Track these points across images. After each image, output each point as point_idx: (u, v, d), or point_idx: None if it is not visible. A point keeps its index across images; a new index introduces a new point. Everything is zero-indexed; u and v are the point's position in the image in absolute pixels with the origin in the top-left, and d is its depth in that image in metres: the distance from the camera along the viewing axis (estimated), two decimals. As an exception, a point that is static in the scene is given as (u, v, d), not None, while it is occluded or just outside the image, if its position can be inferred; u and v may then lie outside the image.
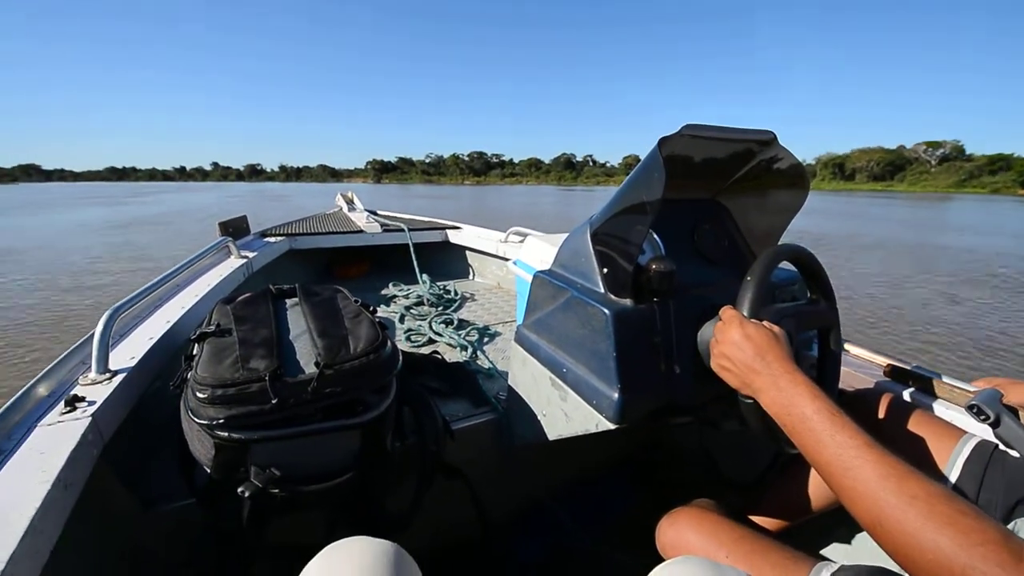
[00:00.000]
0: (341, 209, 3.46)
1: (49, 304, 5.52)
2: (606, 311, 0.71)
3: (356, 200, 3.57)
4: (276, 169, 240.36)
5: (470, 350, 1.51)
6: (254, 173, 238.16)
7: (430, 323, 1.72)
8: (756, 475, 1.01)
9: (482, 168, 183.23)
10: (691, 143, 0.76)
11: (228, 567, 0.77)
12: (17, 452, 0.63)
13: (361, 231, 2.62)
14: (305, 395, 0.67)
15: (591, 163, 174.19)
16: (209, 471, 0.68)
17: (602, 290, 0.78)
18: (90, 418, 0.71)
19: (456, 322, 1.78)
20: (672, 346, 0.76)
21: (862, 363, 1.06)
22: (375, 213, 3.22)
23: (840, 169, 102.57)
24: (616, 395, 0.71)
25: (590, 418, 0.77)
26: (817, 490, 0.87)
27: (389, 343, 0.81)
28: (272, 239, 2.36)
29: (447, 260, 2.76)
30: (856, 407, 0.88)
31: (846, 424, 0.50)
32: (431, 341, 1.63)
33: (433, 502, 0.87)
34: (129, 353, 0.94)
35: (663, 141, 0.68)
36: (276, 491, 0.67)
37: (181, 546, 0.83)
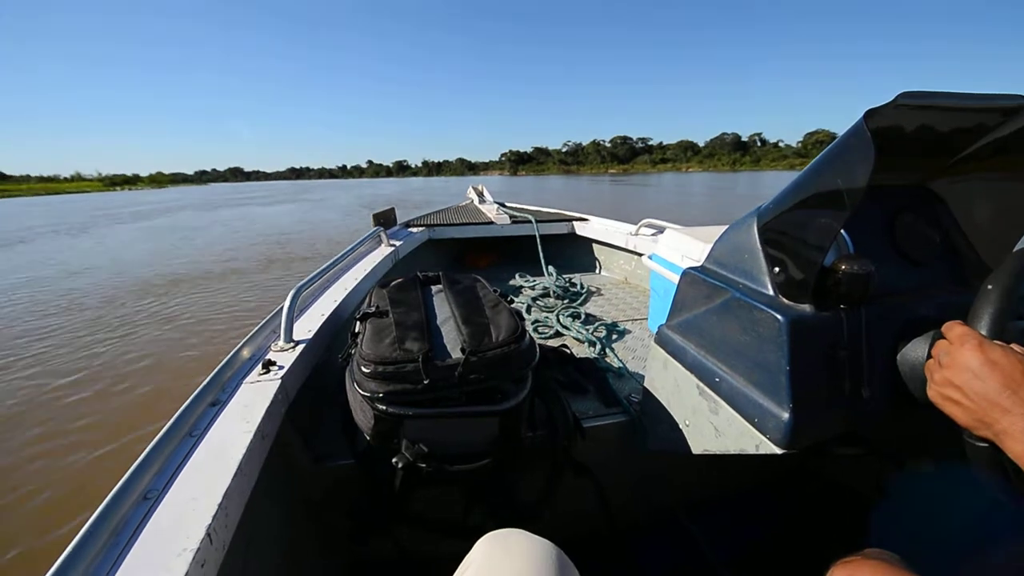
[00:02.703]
0: (472, 202, 3.70)
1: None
2: (780, 317, 0.61)
3: (486, 193, 3.78)
4: (419, 165, 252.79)
5: (598, 346, 1.44)
6: (401, 169, 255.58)
7: (557, 316, 1.70)
8: (965, 537, 0.79)
9: (627, 155, 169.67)
10: (906, 114, 0.61)
11: (379, 525, 0.84)
12: (230, 403, 0.76)
13: (491, 222, 2.72)
14: (452, 379, 0.71)
15: (758, 143, 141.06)
16: (368, 438, 0.74)
17: (771, 292, 0.67)
18: (280, 380, 0.83)
19: (583, 316, 1.73)
20: (861, 363, 0.63)
21: None
22: (504, 205, 3.34)
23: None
24: (785, 415, 0.61)
25: (747, 437, 0.68)
26: None
27: (528, 335, 0.81)
28: (414, 229, 2.57)
29: (573, 252, 2.73)
30: None
31: None
32: (558, 334, 1.60)
33: (559, 497, 0.86)
34: (307, 326, 1.08)
35: (871, 113, 0.56)
36: (423, 465, 0.71)
37: (342, 500, 0.91)
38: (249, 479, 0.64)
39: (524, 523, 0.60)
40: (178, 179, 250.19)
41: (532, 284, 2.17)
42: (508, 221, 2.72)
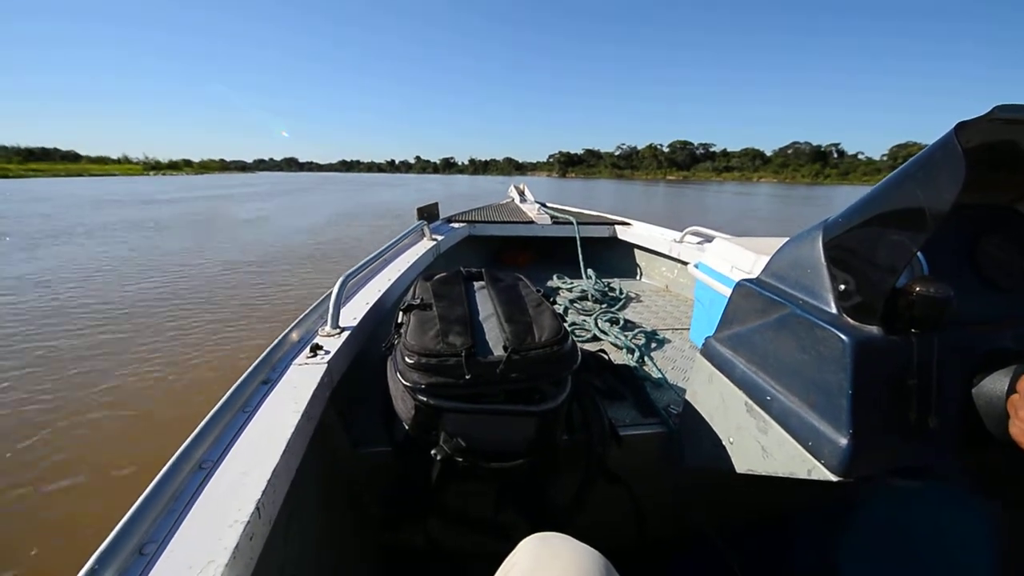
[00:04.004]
0: (513, 200, 3.72)
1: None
2: (844, 337, 0.58)
3: (527, 192, 3.78)
4: (466, 163, 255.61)
5: (636, 354, 1.42)
6: (447, 166, 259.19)
7: (595, 320, 1.67)
8: None
9: (686, 161, 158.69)
10: (1000, 129, 0.57)
11: (411, 514, 0.86)
12: (279, 383, 0.79)
13: (532, 222, 2.71)
14: (493, 376, 0.71)
15: (835, 154, 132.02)
16: (407, 428, 0.75)
17: (834, 310, 0.64)
18: (326, 364, 0.86)
19: (622, 322, 1.70)
20: (931, 393, 0.60)
21: None
22: (545, 205, 3.32)
23: None
24: (844, 441, 0.57)
25: (799, 460, 0.64)
26: None
27: (570, 338, 0.80)
28: (456, 224, 2.60)
29: (613, 257, 2.68)
30: None
31: None
32: (595, 339, 1.59)
33: (590, 505, 0.85)
34: (352, 314, 1.11)
35: (962, 126, 0.52)
36: (460, 460, 0.71)
37: (377, 486, 0.94)
38: (296, 458, 0.66)
39: (554, 527, 0.59)
40: (234, 166, 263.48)
41: (570, 286, 2.14)
42: (549, 221, 2.71)
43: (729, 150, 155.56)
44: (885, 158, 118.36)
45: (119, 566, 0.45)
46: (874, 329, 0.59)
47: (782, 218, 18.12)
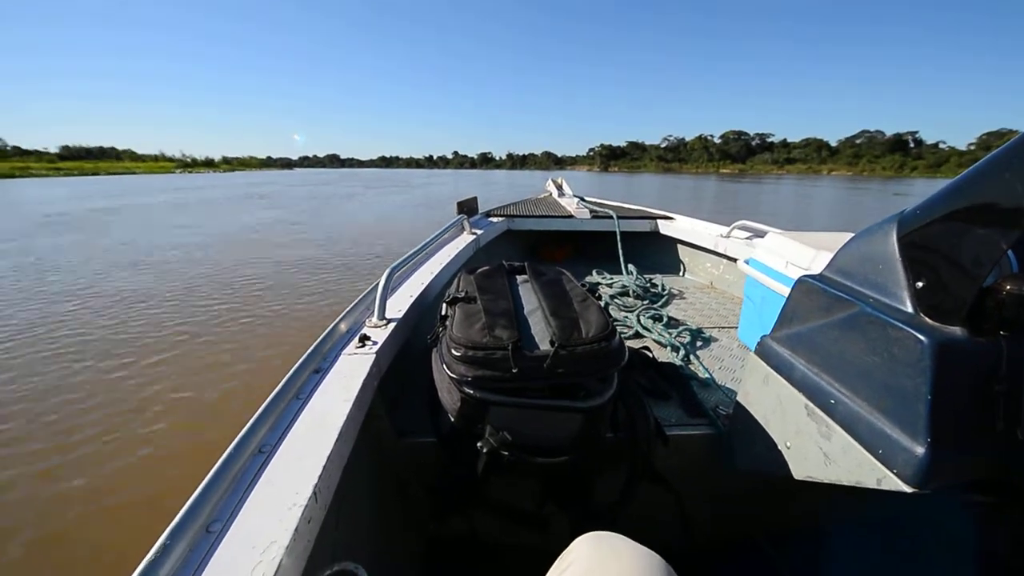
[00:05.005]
0: (551, 194, 3.67)
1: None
2: (923, 338, 0.54)
3: (565, 186, 3.75)
4: (503, 157, 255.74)
5: (682, 352, 1.38)
6: (485, 161, 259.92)
7: (638, 316, 1.64)
8: None
9: (741, 152, 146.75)
10: None
11: (457, 505, 0.86)
12: (330, 372, 0.81)
13: (571, 216, 2.67)
14: (539, 370, 0.70)
15: (911, 143, 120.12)
16: (452, 419, 0.76)
17: (910, 309, 0.60)
18: (374, 354, 0.88)
19: (665, 319, 1.65)
20: (1021, 400, 0.55)
21: None
22: (583, 199, 3.26)
23: None
24: (920, 450, 0.54)
25: (867, 469, 0.61)
26: None
27: (618, 334, 0.79)
28: (494, 219, 2.59)
29: (655, 252, 2.62)
30: None
31: None
32: (638, 335, 1.56)
33: (634, 504, 0.84)
34: (397, 306, 1.13)
35: None
36: (505, 453, 0.71)
37: (421, 475, 0.95)
38: (347, 445, 0.68)
39: (598, 526, 0.59)
40: (280, 163, 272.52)
41: (610, 281, 2.11)
42: (588, 215, 2.66)
43: (789, 140, 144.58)
44: (973, 147, 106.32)
45: (189, 542, 0.47)
46: (957, 330, 0.55)
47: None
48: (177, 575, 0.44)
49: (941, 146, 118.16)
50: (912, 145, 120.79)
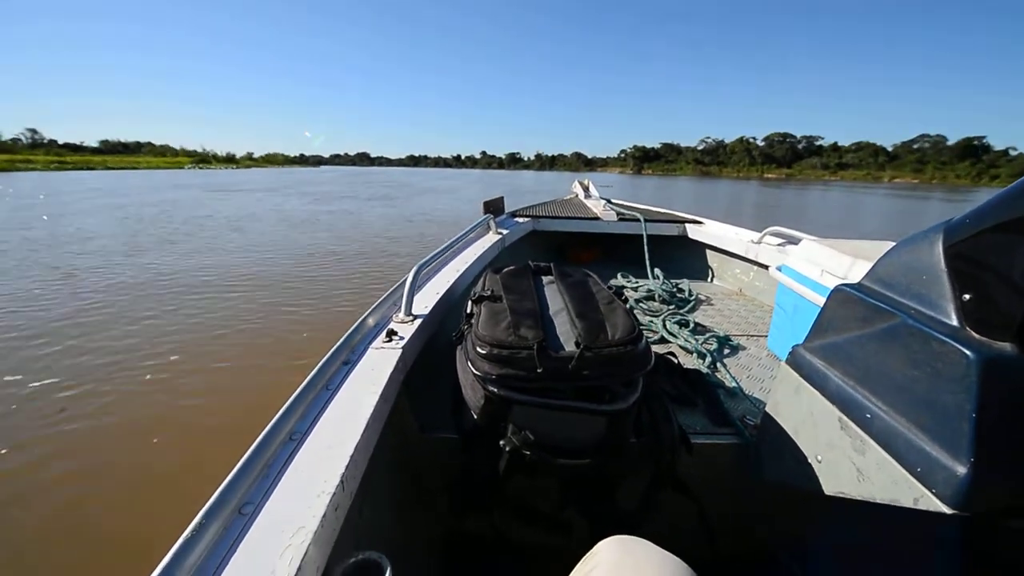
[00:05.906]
0: (577, 196, 3.70)
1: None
2: (970, 353, 0.52)
3: (592, 188, 3.74)
4: (532, 157, 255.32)
5: (708, 359, 1.36)
6: (513, 161, 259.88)
7: (663, 321, 1.62)
8: None
9: (786, 156, 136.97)
10: None
11: (477, 502, 0.86)
12: (358, 365, 0.83)
13: (597, 218, 2.67)
14: (564, 371, 0.70)
15: (978, 146, 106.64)
16: (475, 417, 0.76)
17: (954, 323, 0.58)
18: (400, 349, 0.89)
19: (692, 325, 1.62)
20: None
21: None
22: (610, 201, 3.24)
23: None
24: (962, 469, 0.51)
25: (903, 487, 0.59)
26: None
27: (644, 338, 0.78)
28: (520, 219, 2.61)
29: (683, 256, 2.57)
30: None
31: None
32: (663, 341, 1.54)
33: (657, 510, 0.84)
34: (423, 302, 1.15)
35: None
36: (527, 453, 0.71)
37: (443, 471, 0.95)
38: (374, 436, 0.69)
39: (619, 531, 0.58)
40: (312, 160, 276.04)
41: (635, 285, 2.09)
42: (615, 218, 2.65)
43: (840, 144, 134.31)
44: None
45: (222, 522, 0.49)
46: (1007, 346, 0.53)
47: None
48: (213, 553, 0.46)
49: (1011, 152, 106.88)
50: (980, 147, 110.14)
